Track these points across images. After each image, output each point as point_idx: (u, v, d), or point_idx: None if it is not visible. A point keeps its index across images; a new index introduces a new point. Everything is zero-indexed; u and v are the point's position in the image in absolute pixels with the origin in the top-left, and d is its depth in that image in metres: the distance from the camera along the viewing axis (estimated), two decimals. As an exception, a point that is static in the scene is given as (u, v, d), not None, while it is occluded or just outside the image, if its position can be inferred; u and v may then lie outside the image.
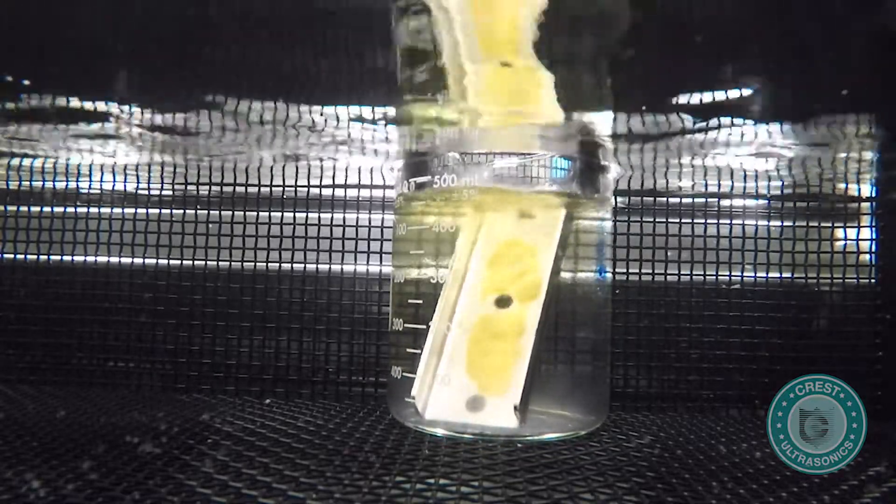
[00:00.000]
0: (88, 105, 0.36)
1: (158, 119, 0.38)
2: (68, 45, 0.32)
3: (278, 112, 0.35)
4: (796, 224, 0.44)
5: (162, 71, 0.34)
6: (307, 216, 0.45)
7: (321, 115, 0.35)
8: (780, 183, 0.44)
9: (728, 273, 0.43)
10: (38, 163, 0.46)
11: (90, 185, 0.47)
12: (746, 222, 0.44)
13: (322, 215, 0.45)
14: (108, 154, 0.44)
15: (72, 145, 0.43)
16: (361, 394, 0.44)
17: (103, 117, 0.38)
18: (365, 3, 0.27)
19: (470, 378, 0.31)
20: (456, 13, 0.30)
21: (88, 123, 0.39)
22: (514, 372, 0.31)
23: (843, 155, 0.40)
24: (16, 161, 0.46)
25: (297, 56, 0.31)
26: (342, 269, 0.45)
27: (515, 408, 0.31)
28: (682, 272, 0.43)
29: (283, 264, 0.45)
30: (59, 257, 0.46)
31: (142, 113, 0.37)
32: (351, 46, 0.30)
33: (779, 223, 0.44)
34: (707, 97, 0.35)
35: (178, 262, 0.46)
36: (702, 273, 0.43)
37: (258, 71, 0.33)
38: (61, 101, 0.36)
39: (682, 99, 0.36)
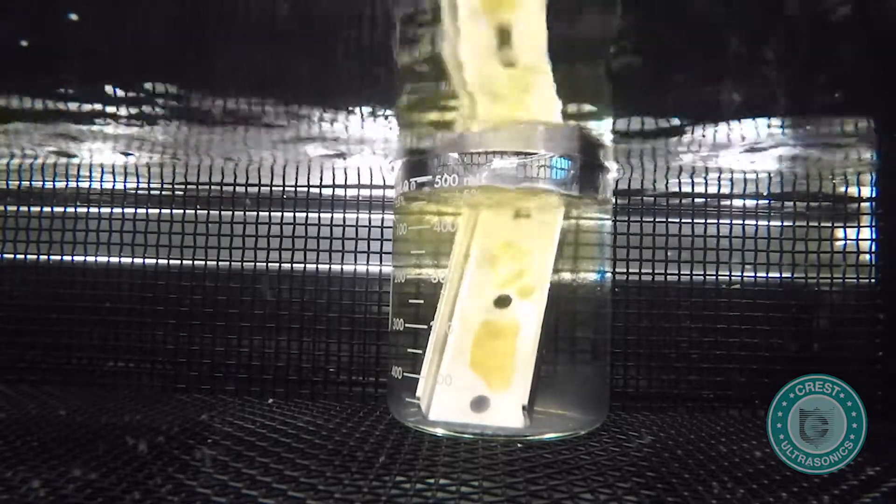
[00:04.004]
0: (87, 105, 0.36)
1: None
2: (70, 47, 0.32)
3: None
4: (796, 224, 0.44)
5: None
6: (307, 216, 0.45)
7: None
8: (779, 183, 0.44)
9: (728, 273, 0.43)
10: (38, 163, 0.47)
11: (90, 185, 0.47)
12: (746, 222, 0.44)
13: (322, 215, 0.45)
14: (109, 153, 0.44)
15: (72, 145, 0.43)
16: (361, 394, 0.44)
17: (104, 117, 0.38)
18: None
19: (474, 378, 0.31)
20: (460, 7, 0.30)
21: (88, 123, 0.39)
22: (517, 371, 0.31)
23: (843, 155, 0.40)
24: (16, 161, 0.46)
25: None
26: (342, 269, 0.45)
27: (524, 408, 0.31)
28: (682, 272, 0.43)
29: (283, 264, 0.45)
30: (59, 257, 0.46)
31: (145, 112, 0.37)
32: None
33: (779, 223, 0.44)
34: (706, 96, 0.35)
35: (178, 262, 0.46)
36: (702, 273, 0.43)
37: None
38: (61, 103, 0.36)
39: (682, 98, 0.36)
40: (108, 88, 0.35)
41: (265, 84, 0.33)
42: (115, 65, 0.33)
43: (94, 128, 0.39)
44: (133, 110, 0.37)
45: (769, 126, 0.37)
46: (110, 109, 0.37)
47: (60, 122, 0.39)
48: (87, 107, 0.37)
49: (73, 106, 0.37)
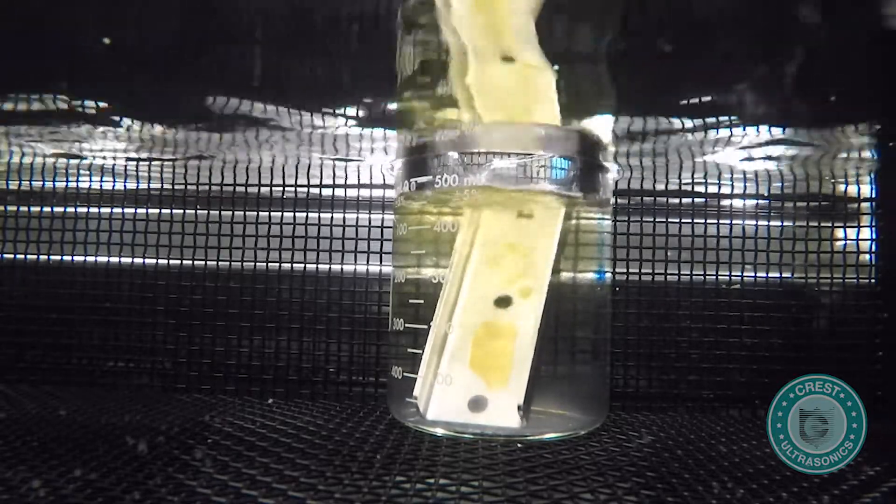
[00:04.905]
0: (89, 104, 0.36)
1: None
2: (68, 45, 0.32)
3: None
4: (796, 224, 0.44)
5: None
6: (307, 216, 0.45)
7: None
8: (779, 183, 0.44)
9: (728, 273, 0.43)
10: (38, 162, 0.47)
11: (90, 185, 0.47)
12: (746, 222, 0.44)
13: (322, 215, 0.45)
14: (109, 153, 0.44)
15: (73, 144, 0.43)
16: (361, 394, 0.44)
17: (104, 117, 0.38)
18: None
19: (471, 378, 0.31)
20: (459, 6, 0.30)
21: (87, 123, 0.39)
22: (515, 372, 0.31)
23: (843, 155, 0.41)
24: (16, 161, 0.46)
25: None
26: (342, 269, 0.45)
27: (519, 407, 0.31)
28: (682, 272, 0.43)
29: (283, 264, 0.45)
30: (59, 257, 0.46)
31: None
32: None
33: (779, 223, 0.44)
34: (707, 97, 0.35)
35: (178, 262, 0.46)
36: (702, 273, 0.43)
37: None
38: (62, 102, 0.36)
39: (682, 99, 0.36)
40: (110, 88, 0.35)
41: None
42: (114, 64, 0.33)
43: (95, 128, 0.39)
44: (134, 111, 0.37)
45: (769, 126, 0.37)
46: (111, 109, 0.37)
47: (62, 124, 0.39)
48: (87, 106, 0.37)
49: (74, 106, 0.37)
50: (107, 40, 0.29)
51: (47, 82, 0.35)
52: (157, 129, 0.40)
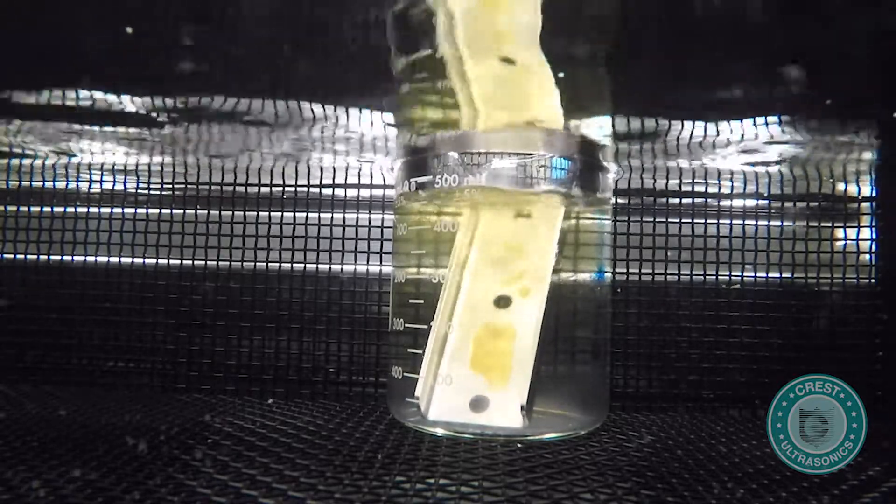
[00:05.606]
0: (90, 103, 0.36)
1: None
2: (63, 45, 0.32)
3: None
4: (796, 224, 0.44)
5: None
6: (307, 216, 0.45)
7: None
8: (779, 183, 0.44)
9: (728, 273, 0.43)
10: (38, 163, 0.47)
11: (90, 185, 0.47)
12: (746, 222, 0.44)
13: (322, 215, 0.45)
14: (109, 153, 0.44)
15: (72, 144, 0.43)
16: (361, 394, 0.44)
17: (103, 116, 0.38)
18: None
19: (472, 378, 0.31)
20: (458, 11, 0.30)
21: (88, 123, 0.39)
22: (516, 371, 0.31)
23: (843, 155, 0.40)
24: (16, 161, 0.46)
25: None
26: (342, 269, 0.45)
27: (522, 407, 0.31)
28: (682, 272, 0.43)
29: (283, 264, 0.45)
30: (59, 257, 0.46)
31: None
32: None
33: (779, 223, 0.44)
34: (707, 97, 0.35)
35: (178, 262, 0.46)
36: (702, 273, 0.43)
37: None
38: (62, 101, 0.36)
39: (682, 98, 0.36)
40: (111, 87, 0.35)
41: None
42: (115, 62, 0.33)
43: (95, 127, 0.39)
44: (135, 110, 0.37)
45: (769, 126, 0.37)
46: (112, 108, 0.37)
47: (62, 122, 0.39)
48: (87, 105, 0.37)
49: (70, 104, 0.37)
50: (129, 29, 0.29)
51: (48, 81, 0.35)
52: (156, 131, 0.40)
